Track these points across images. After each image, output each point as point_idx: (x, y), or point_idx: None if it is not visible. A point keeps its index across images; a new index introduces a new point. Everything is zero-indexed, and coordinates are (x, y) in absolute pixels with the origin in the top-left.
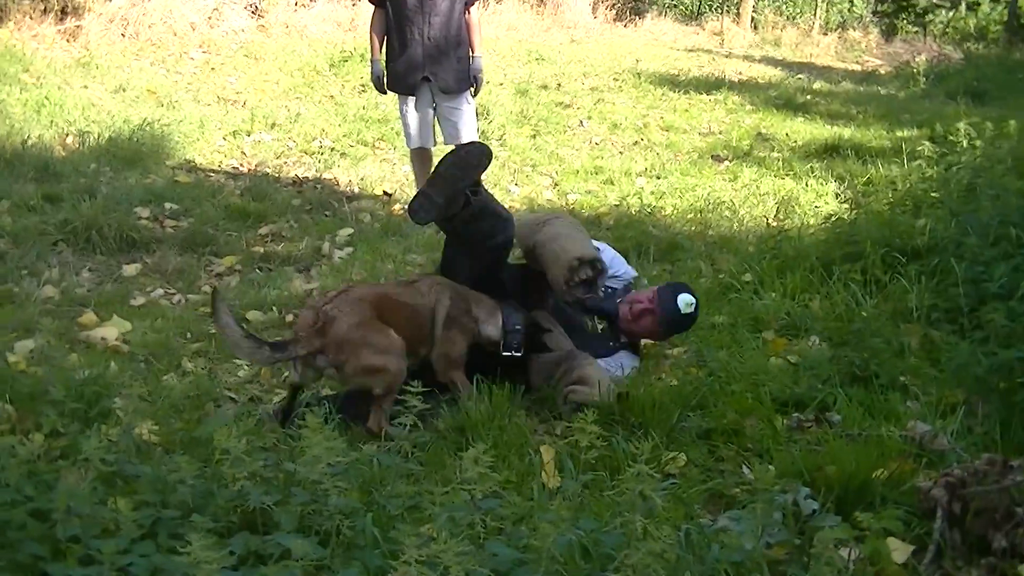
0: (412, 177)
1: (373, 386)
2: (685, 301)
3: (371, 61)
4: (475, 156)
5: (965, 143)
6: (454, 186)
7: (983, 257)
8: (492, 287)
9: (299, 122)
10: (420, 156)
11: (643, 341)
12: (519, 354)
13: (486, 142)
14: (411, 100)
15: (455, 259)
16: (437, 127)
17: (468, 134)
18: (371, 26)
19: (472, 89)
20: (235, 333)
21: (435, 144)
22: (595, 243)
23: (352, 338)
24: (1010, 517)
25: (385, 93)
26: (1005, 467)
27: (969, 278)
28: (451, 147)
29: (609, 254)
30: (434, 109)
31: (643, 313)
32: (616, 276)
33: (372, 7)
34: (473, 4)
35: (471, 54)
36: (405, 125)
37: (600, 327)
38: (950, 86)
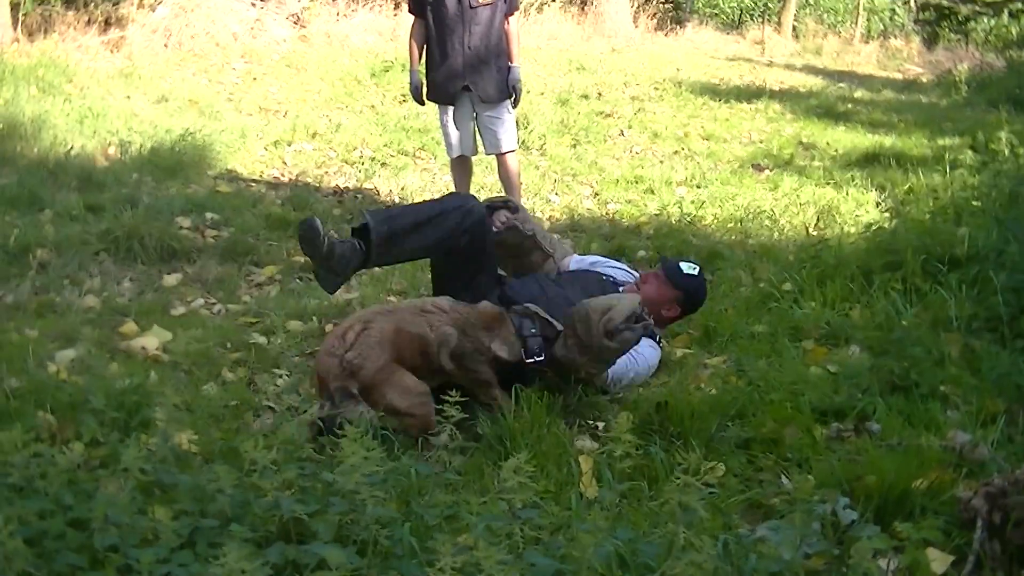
0: (452, 187)
1: (407, 431)
2: (687, 264)
3: (410, 71)
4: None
5: (1007, 151)
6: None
7: None
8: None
9: (340, 132)
10: (461, 165)
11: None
12: (542, 358)
13: (527, 152)
14: (451, 110)
15: (444, 278)
16: (478, 136)
17: (508, 143)
18: (411, 36)
19: (511, 99)
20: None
21: (475, 153)
22: (592, 257)
23: (377, 382)
24: None
25: (423, 104)
26: None
27: (1010, 287)
28: (493, 156)
29: (602, 258)
30: (475, 118)
31: (648, 278)
32: (627, 278)
33: (412, 17)
34: (513, 14)
35: (509, 64)
36: (445, 135)
37: None
38: (992, 94)
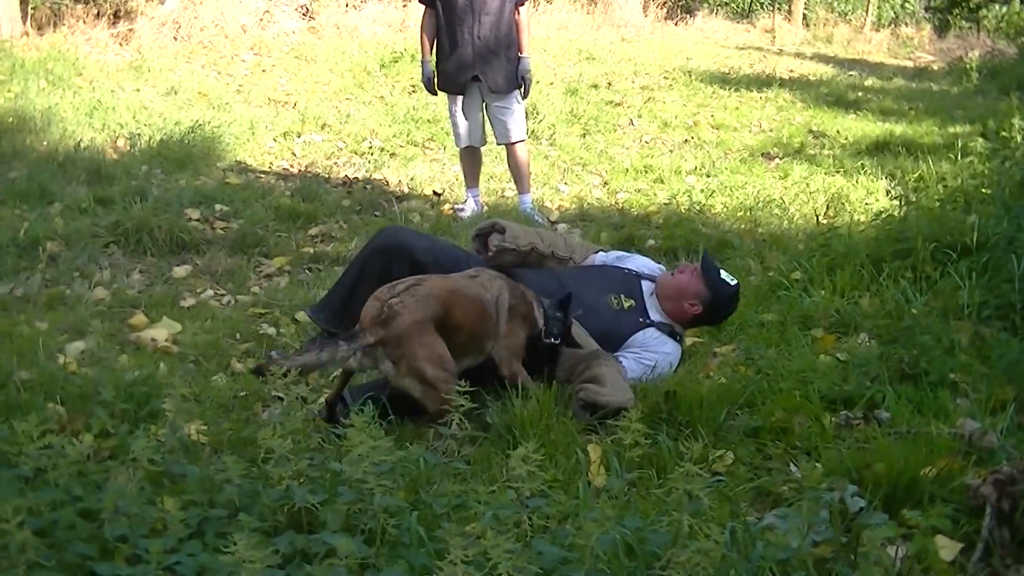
0: (461, 177)
1: (424, 401)
2: (725, 273)
3: (422, 62)
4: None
5: (1019, 139)
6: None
7: None
8: None
9: (349, 123)
10: (470, 155)
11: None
12: (558, 341)
13: (537, 142)
14: (460, 100)
15: None
16: (487, 126)
17: (517, 133)
18: (421, 27)
19: (521, 90)
20: (311, 356)
21: (484, 143)
22: (618, 252)
23: (411, 335)
24: None
25: (435, 94)
26: None
27: (1021, 274)
28: (502, 146)
29: (629, 254)
30: (484, 108)
31: (684, 269)
32: (653, 271)
33: (423, 8)
34: (523, 4)
35: (519, 54)
36: (454, 124)
37: (627, 304)
38: (1003, 81)
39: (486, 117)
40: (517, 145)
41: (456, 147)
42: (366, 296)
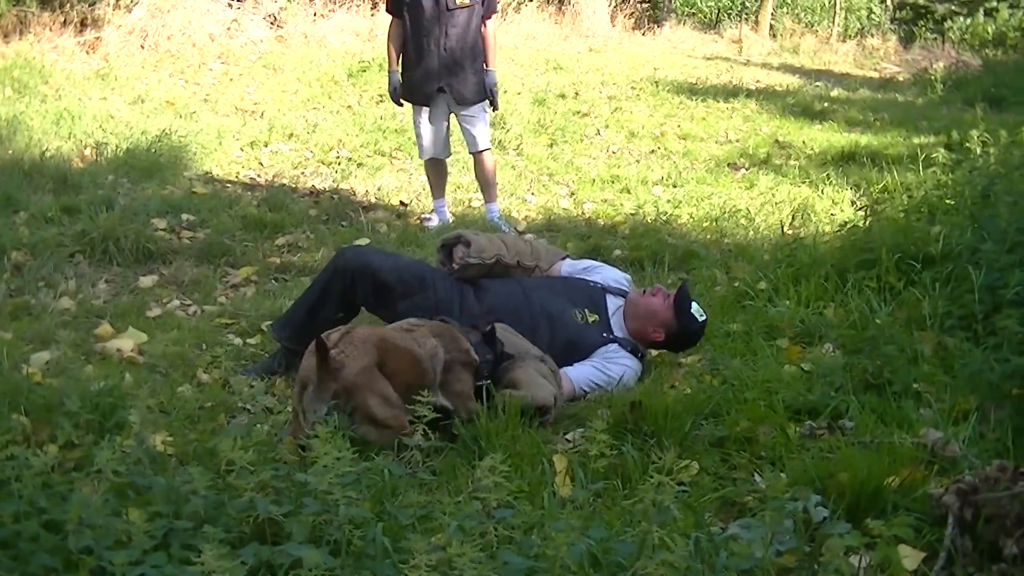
0: (428, 187)
1: (382, 442)
2: (696, 307)
3: (389, 72)
4: None
5: (979, 150)
6: None
7: (998, 264)
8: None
9: (317, 132)
10: (435, 167)
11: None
12: (488, 381)
13: (504, 152)
14: (425, 111)
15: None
16: (451, 137)
17: (484, 142)
18: (388, 36)
19: (488, 103)
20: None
21: (449, 155)
22: (585, 262)
23: (359, 384)
24: (1021, 523)
25: (401, 104)
26: (1017, 473)
27: (984, 285)
28: (470, 156)
29: (595, 263)
30: (448, 118)
31: (657, 292)
32: (619, 284)
33: (390, 17)
34: (490, 17)
35: (486, 67)
36: (419, 136)
37: (592, 319)
38: (968, 92)
39: (452, 128)
40: (484, 153)
41: (420, 158)
42: (327, 319)
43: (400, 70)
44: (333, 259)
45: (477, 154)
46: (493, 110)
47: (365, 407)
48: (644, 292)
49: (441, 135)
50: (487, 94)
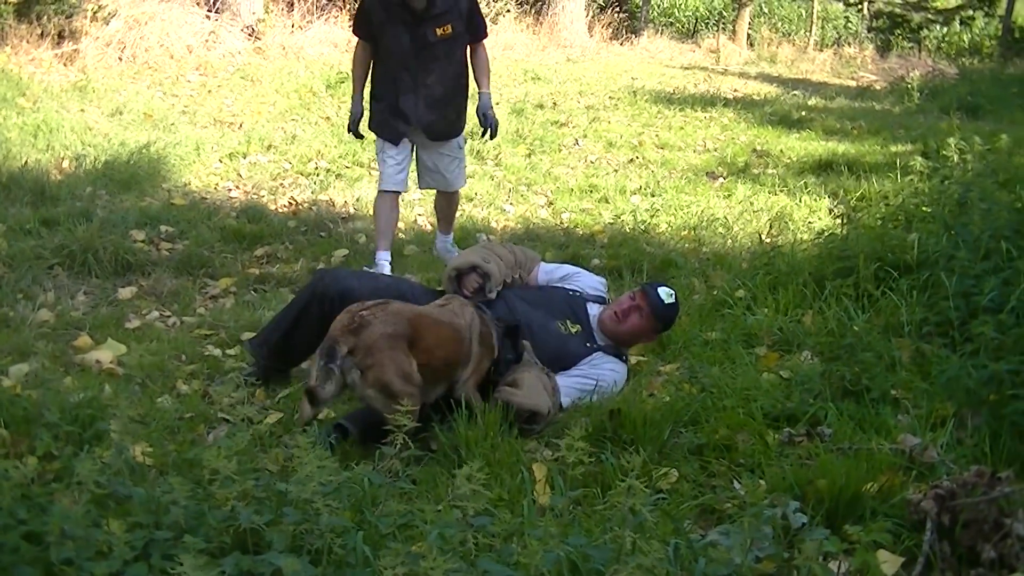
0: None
1: (383, 411)
2: (665, 292)
3: (352, 98)
4: None
5: (955, 158)
6: None
7: (974, 271)
8: None
9: (295, 144)
10: (392, 202)
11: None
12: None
13: (482, 162)
14: (392, 146)
15: None
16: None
17: (459, 181)
18: (354, 59)
19: (487, 132)
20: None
21: (406, 189)
22: (559, 269)
23: (382, 346)
24: (998, 528)
25: (361, 138)
26: (994, 479)
27: (960, 292)
28: (442, 191)
29: (572, 268)
30: (413, 151)
31: (629, 312)
32: (596, 290)
33: (353, 35)
34: (481, 40)
35: (479, 90)
36: (382, 163)
37: (574, 330)
38: (944, 101)
39: (419, 162)
40: (456, 192)
41: (379, 188)
42: (304, 341)
43: (367, 97)
44: (311, 283)
45: (450, 192)
46: (490, 138)
47: (381, 372)
48: (616, 316)
49: (407, 167)
50: (482, 120)
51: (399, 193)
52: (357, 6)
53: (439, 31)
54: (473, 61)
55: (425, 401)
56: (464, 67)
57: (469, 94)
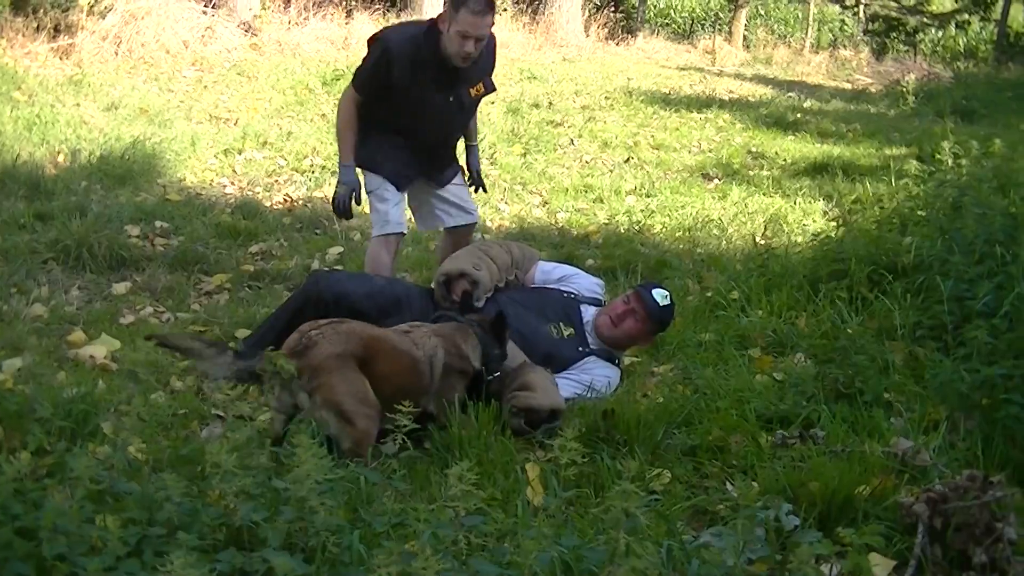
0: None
1: (339, 437)
2: (660, 294)
3: (342, 166)
4: None
5: (950, 162)
6: None
7: (967, 275)
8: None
9: (291, 140)
10: (395, 244)
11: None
12: (499, 375)
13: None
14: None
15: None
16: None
17: (475, 208)
18: (344, 117)
19: (475, 186)
20: (196, 349)
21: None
22: (557, 269)
23: (329, 367)
24: (990, 532)
25: (351, 217)
26: (986, 483)
27: (953, 296)
28: (458, 227)
29: (569, 270)
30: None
31: (624, 315)
32: (593, 292)
33: (351, 88)
34: (494, 90)
35: (469, 143)
36: (381, 201)
37: (567, 333)
38: (939, 105)
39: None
40: (473, 225)
41: (377, 232)
42: None
43: (360, 136)
44: (305, 286)
45: (467, 225)
46: (483, 191)
47: (329, 393)
48: (611, 320)
49: (405, 204)
50: (472, 174)
51: (401, 236)
52: (369, 58)
53: (473, 92)
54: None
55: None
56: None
57: None
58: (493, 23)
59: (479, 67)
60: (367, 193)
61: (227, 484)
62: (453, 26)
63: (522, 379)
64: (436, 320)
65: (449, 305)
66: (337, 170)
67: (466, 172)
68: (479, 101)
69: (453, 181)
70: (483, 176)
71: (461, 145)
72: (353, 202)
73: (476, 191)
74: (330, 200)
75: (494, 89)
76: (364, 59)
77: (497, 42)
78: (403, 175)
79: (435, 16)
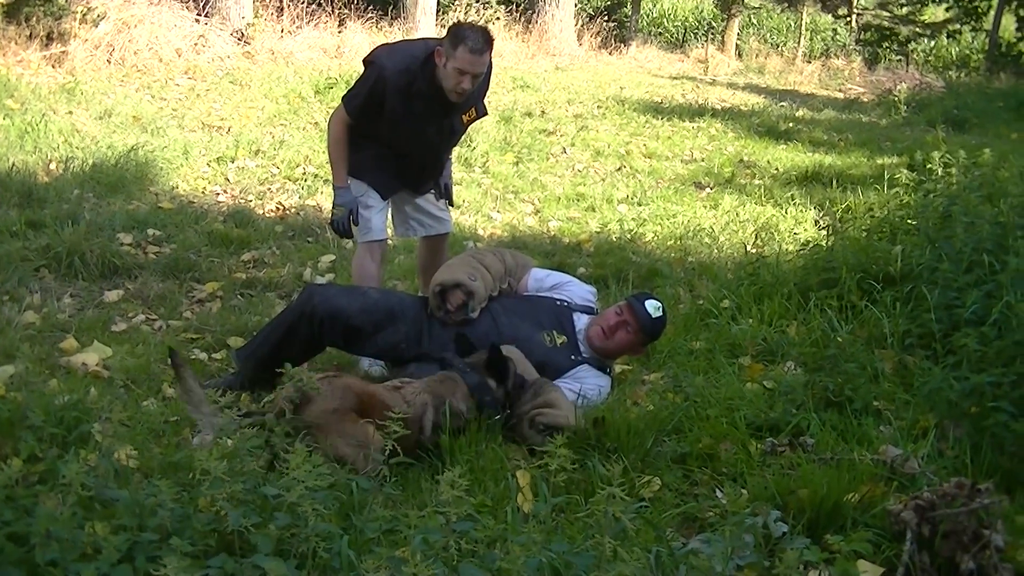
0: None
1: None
2: (653, 306)
3: (336, 188)
4: None
5: (940, 171)
6: None
7: (956, 283)
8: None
9: (283, 149)
10: (379, 250)
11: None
12: (495, 410)
13: (469, 169)
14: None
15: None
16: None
17: (449, 219)
18: (333, 136)
19: (445, 199)
20: (198, 396)
21: (387, 238)
22: (550, 277)
23: (326, 425)
24: (977, 539)
25: (352, 237)
26: (974, 490)
27: (943, 304)
28: (432, 236)
29: (563, 277)
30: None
31: (617, 327)
32: (586, 300)
33: (342, 108)
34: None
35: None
36: (367, 208)
37: (560, 341)
38: (931, 114)
39: (402, 211)
40: (446, 234)
41: (359, 239)
42: (292, 358)
43: (352, 146)
44: (300, 301)
45: (441, 235)
46: (451, 205)
47: (331, 449)
48: (603, 332)
49: (388, 211)
50: (442, 189)
51: (385, 243)
52: (363, 85)
53: (465, 117)
54: None
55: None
56: None
57: None
58: (491, 60)
59: (474, 95)
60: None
61: (215, 490)
62: (451, 62)
63: (545, 396)
64: (439, 361)
65: (443, 315)
66: (329, 178)
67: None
68: (470, 125)
69: (430, 191)
70: (451, 191)
71: None
72: (352, 222)
73: (440, 201)
74: (327, 220)
75: (486, 114)
76: (357, 83)
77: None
78: (388, 186)
79: (431, 42)
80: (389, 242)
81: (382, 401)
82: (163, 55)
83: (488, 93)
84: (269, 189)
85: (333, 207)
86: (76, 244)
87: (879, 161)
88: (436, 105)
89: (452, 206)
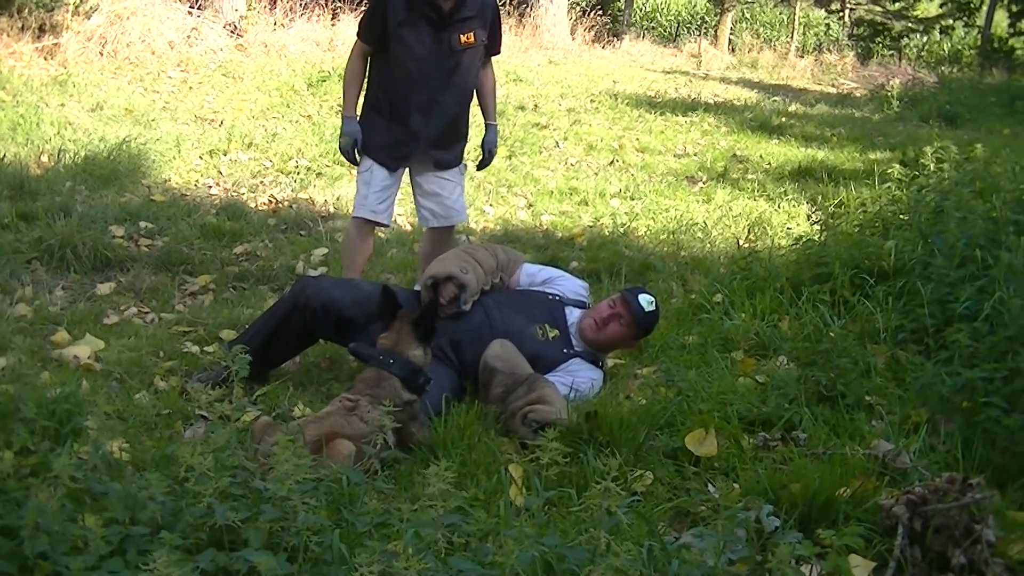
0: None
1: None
2: (646, 299)
3: (344, 117)
4: None
5: (932, 166)
6: None
7: (949, 278)
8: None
9: (276, 142)
10: (367, 233)
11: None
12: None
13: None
14: (385, 170)
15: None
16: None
17: (461, 211)
18: (350, 70)
19: (482, 161)
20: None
21: (388, 224)
22: (542, 271)
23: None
24: (969, 534)
25: (357, 163)
26: (965, 485)
27: (935, 299)
28: (438, 226)
29: (554, 272)
30: (412, 181)
31: (609, 319)
32: (578, 295)
33: (357, 43)
34: (496, 53)
35: (488, 121)
36: (364, 185)
37: (552, 335)
38: (923, 109)
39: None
40: (455, 227)
41: (355, 213)
42: (284, 350)
43: (360, 112)
44: (293, 293)
45: (448, 228)
46: (483, 167)
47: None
48: (596, 324)
49: (394, 197)
50: (486, 154)
51: (376, 227)
52: (369, 6)
53: (463, 38)
54: (482, 80)
55: None
56: (474, 85)
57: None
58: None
59: (474, 15)
60: (357, 173)
61: (203, 485)
62: None
63: (539, 392)
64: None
65: (436, 308)
66: (322, 171)
67: (482, 154)
68: (474, 55)
69: (447, 176)
70: (493, 158)
71: (471, 131)
72: (356, 151)
73: (479, 167)
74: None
75: (497, 52)
76: (365, 10)
77: (500, 16)
78: (397, 155)
79: None
80: (380, 234)
81: (343, 432)
82: (156, 47)
83: (496, 27)
84: (262, 182)
85: (340, 135)
86: (68, 237)
87: (872, 156)
88: (431, 10)
89: (483, 167)
